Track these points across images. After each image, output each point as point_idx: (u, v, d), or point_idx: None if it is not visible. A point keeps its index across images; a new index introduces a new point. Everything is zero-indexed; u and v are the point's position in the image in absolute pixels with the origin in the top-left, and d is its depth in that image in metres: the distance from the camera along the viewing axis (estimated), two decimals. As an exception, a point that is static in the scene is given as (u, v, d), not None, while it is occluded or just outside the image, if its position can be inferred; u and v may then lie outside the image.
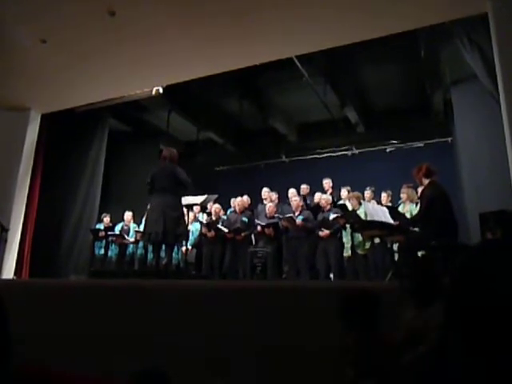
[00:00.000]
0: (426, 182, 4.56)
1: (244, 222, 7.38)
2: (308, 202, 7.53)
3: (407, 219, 5.44)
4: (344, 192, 7.19)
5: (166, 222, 5.35)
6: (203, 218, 8.12)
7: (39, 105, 7.88)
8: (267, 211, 7.29)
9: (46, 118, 8.19)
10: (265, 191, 7.90)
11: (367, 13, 5.34)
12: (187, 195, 6.09)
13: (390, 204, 6.74)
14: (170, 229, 5.38)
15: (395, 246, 5.77)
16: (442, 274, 2.02)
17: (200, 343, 3.16)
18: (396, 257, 5.69)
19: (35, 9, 5.44)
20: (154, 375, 1.75)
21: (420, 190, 4.92)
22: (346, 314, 1.98)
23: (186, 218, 6.26)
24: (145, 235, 5.75)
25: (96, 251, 8.41)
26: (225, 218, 7.78)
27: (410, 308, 1.95)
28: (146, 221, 5.77)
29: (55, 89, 7.25)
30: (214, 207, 7.79)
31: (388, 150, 9.63)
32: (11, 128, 7.67)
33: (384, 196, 6.94)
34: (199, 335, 3.21)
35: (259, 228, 7.12)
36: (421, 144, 9.23)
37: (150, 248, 7.68)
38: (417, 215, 5.02)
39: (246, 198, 7.90)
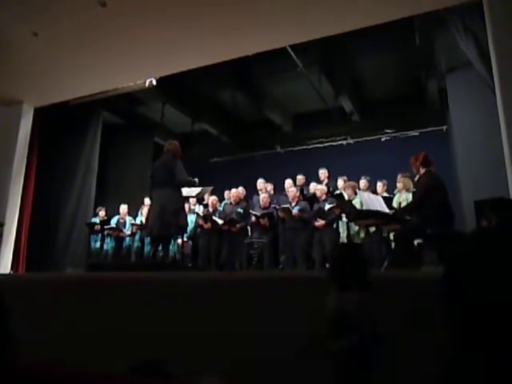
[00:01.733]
0: (422, 171, 4.56)
1: (239, 213, 7.37)
2: (305, 192, 7.53)
3: (401, 208, 5.46)
4: (341, 182, 7.19)
5: (164, 216, 5.39)
6: (199, 209, 8.11)
7: (32, 98, 7.82)
8: (261, 202, 7.28)
9: (39, 112, 8.14)
10: (260, 182, 7.89)
11: (362, 1, 5.31)
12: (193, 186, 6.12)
13: (385, 193, 6.75)
14: (170, 222, 5.41)
15: (391, 235, 5.79)
16: (366, 261, 2.17)
17: (199, 336, 3.16)
18: (392, 246, 5.71)
19: (26, 1, 5.39)
20: (154, 365, 1.77)
21: (416, 179, 4.93)
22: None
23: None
24: (146, 230, 5.79)
25: (92, 245, 8.41)
26: (221, 209, 7.78)
27: (333, 291, 2.08)
28: (147, 216, 5.82)
29: (48, 82, 7.19)
30: (211, 199, 7.78)
31: (383, 139, 9.62)
32: (4, 122, 7.62)
33: (379, 185, 6.94)
34: (197, 327, 3.22)
35: (254, 219, 7.12)
36: (416, 133, 9.21)
37: (147, 241, 7.69)
38: (410, 204, 5.02)
39: (241, 189, 7.89)
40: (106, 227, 8.34)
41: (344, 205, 6.15)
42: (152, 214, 5.59)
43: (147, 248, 7.68)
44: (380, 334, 2.00)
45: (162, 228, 5.44)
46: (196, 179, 5.98)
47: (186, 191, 6.11)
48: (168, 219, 5.40)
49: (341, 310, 2.00)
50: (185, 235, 6.81)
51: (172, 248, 7.09)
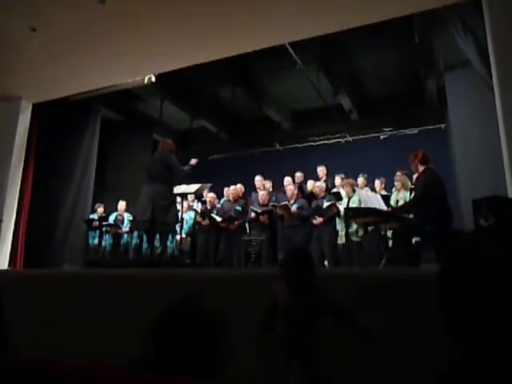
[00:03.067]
0: (421, 168, 4.57)
1: (237, 210, 7.38)
2: (303, 189, 7.54)
3: (400, 206, 5.47)
4: (338, 180, 7.19)
5: (154, 211, 5.39)
6: (198, 206, 8.11)
7: (30, 94, 7.79)
8: (260, 199, 7.28)
9: (37, 108, 8.10)
10: (257, 179, 7.88)
11: (361, -2, 5.30)
12: (181, 183, 6.11)
13: (383, 191, 6.76)
14: (159, 217, 5.41)
15: (389, 233, 5.79)
16: (311, 266, 2.39)
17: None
18: (390, 243, 5.72)
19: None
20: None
21: (415, 177, 4.94)
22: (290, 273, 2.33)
23: (180, 206, 6.27)
24: (135, 223, 5.82)
25: (90, 241, 8.41)
26: (219, 206, 7.78)
27: (282, 285, 2.35)
28: (136, 208, 5.83)
29: (46, 78, 7.16)
30: (209, 196, 7.78)
31: (382, 137, 9.63)
32: (2, 118, 7.60)
33: (377, 183, 6.95)
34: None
35: (253, 215, 7.12)
36: (414, 131, 9.22)
37: (145, 237, 7.71)
38: (410, 201, 5.03)
39: (239, 186, 7.89)
40: (104, 224, 8.33)
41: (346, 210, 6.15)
42: (140, 208, 5.60)
43: (145, 245, 7.68)
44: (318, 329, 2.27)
45: (150, 222, 5.45)
46: (193, 160, 6.05)
47: (184, 188, 6.11)
48: (157, 215, 5.42)
49: (286, 305, 2.28)
50: (183, 231, 6.81)
51: (170, 245, 7.09)
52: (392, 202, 6.26)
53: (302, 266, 2.35)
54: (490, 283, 0.69)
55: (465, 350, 0.72)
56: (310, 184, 7.42)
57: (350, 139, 10.03)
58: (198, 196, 8.07)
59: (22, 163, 7.87)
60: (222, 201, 7.94)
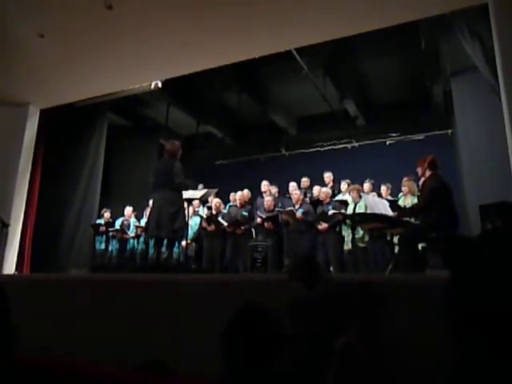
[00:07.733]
0: (428, 173, 4.55)
1: (244, 215, 7.38)
2: (308, 195, 7.53)
3: (407, 210, 5.45)
4: (344, 185, 7.17)
5: (160, 218, 5.40)
6: (203, 211, 8.12)
7: (38, 100, 7.85)
8: (265, 205, 7.28)
9: (44, 113, 8.16)
10: (264, 184, 7.88)
11: (368, 4, 5.30)
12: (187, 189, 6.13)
13: (389, 197, 6.74)
14: (166, 224, 5.41)
15: (395, 239, 5.77)
16: (319, 269, 2.69)
17: (200, 336, 3.16)
18: (396, 249, 5.70)
19: (33, 2, 5.42)
20: (157, 364, 1.91)
21: (421, 182, 4.92)
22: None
23: (186, 212, 6.27)
24: (140, 228, 5.84)
25: (97, 246, 8.44)
26: (225, 212, 7.78)
27: (297, 288, 2.56)
28: (147, 218, 5.88)
29: (54, 83, 7.22)
30: (215, 201, 7.78)
31: (388, 143, 9.62)
32: (10, 123, 7.65)
33: (384, 189, 6.93)
34: (199, 328, 3.22)
35: (259, 220, 7.12)
36: (421, 136, 9.21)
37: (151, 243, 7.72)
38: (417, 206, 5.01)
39: (246, 191, 7.90)
40: (110, 229, 8.36)
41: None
42: (151, 216, 5.64)
43: (151, 250, 7.71)
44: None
45: (158, 230, 5.46)
46: (200, 186, 6.09)
47: (190, 193, 6.12)
48: (164, 222, 5.42)
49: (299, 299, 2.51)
50: (188, 237, 6.82)
51: (176, 250, 7.10)
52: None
53: (312, 268, 2.62)
54: (499, 288, 0.69)
55: (471, 353, 0.72)
56: (315, 190, 7.41)
57: (356, 145, 10.03)
58: (203, 201, 8.08)
59: (30, 168, 7.92)
60: (227, 206, 7.94)
